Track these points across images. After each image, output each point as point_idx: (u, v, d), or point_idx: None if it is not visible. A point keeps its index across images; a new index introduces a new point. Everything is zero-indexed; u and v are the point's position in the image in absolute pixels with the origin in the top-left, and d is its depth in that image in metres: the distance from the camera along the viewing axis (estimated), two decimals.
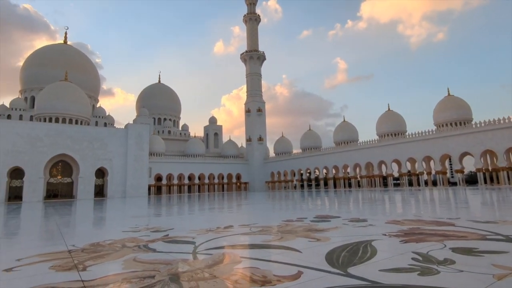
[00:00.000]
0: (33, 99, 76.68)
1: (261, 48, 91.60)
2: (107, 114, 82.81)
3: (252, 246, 6.37)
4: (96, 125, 76.38)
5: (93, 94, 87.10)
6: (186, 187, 78.34)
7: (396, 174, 59.87)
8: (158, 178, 74.53)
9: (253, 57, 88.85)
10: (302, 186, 78.41)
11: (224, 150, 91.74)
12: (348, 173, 68.01)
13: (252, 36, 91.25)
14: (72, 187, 62.65)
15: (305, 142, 78.97)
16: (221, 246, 6.46)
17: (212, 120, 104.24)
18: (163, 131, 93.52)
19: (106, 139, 65.30)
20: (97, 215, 19.27)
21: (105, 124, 79.14)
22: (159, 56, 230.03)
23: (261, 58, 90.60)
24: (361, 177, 63.37)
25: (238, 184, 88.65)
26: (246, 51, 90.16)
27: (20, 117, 70.34)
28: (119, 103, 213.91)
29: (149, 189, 69.82)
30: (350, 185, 71.08)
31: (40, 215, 20.46)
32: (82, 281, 4.09)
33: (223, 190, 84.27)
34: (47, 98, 66.67)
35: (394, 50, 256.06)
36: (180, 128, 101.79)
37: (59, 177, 62.09)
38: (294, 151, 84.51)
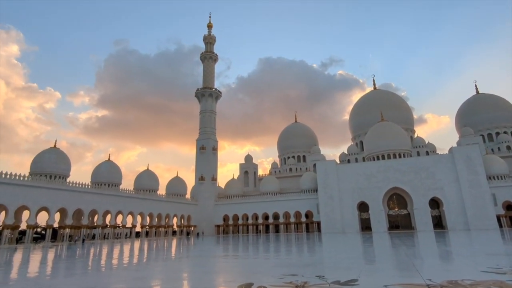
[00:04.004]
0: (361, 143, 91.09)
1: None
2: (426, 142, 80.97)
3: None
4: (418, 155, 76.28)
5: (408, 126, 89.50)
6: None
7: None
8: (508, 206, 59.51)
9: None
10: None
11: None
12: None
13: None
14: (409, 218, 64.61)
15: None
16: None
17: None
18: (498, 148, 75.95)
19: (431, 168, 63.08)
20: (442, 248, 18.26)
21: (427, 153, 77.16)
22: (468, 66, 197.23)
23: None
24: None
25: None
26: None
27: (356, 160, 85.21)
28: (433, 128, 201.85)
29: (498, 220, 57.11)
30: None
31: (388, 244, 22.61)
32: None
33: None
34: (371, 139, 76.82)
35: None
36: None
37: (396, 209, 66.63)
38: None
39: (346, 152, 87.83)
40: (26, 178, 40.59)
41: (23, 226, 42.72)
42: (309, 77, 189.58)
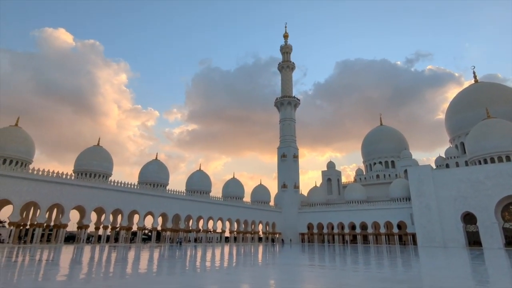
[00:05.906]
0: (462, 144, 79.28)
1: None
2: None
3: None
4: None
5: None
6: None
7: None
8: None
9: None
10: None
11: None
12: None
13: None
14: None
15: None
16: None
17: None
18: None
19: None
20: None
21: None
22: None
23: None
24: None
25: None
26: None
27: (456, 164, 74.43)
28: None
29: None
30: None
31: (506, 264, 19.09)
32: None
33: None
34: (475, 140, 66.07)
35: None
36: None
37: None
38: None
39: (444, 156, 77.89)
40: (135, 187, 47.62)
41: (134, 228, 49.83)
42: (392, 76, 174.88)
